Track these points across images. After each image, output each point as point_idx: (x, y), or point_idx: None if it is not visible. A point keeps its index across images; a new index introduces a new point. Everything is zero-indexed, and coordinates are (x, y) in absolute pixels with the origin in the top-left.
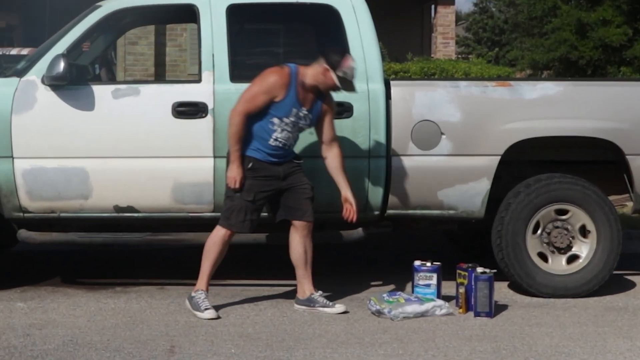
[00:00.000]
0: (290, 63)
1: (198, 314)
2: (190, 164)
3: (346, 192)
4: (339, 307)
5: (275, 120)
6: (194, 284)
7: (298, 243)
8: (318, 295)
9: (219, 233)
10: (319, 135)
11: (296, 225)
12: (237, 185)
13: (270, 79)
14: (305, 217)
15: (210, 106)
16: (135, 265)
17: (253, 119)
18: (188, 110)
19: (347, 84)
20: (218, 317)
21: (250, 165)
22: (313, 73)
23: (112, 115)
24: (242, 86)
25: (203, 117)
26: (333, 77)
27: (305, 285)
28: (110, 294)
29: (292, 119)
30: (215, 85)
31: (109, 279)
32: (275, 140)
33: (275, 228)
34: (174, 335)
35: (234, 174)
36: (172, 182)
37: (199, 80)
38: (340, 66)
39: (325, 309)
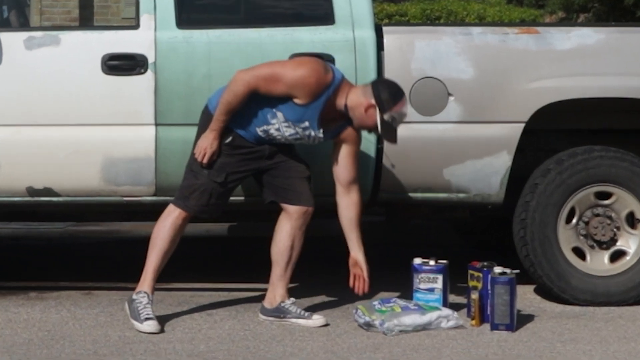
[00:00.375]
0: (336, 69)
1: (136, 324)
2: (125, 133)
3: (357, 253)
4: (317, 318)
5: (280, 116)
6: (132, 288)
7: (286, 234)
8: (290, 303)
9: (172, 214)
10: (334, 166)
11: (289, 211)
12: (206, 160)
13: (305, 77)
14: (301, 201)
15: (150, 59)
16: (54, 265)
17: (257, 96)
18: (122, 64)
19: (390, 133)
20: (161, 331)
21: (229, 139)
22: (355, 101)
23: (24, 71)
24: (193, 33)
25: (142, 73)
26: (377, 118)
27: (277, 290)
28: (23, 302)
29: (297, 130)
30: (157, 33)
31: (20, 281)
32: (265, 132)
33: (244, 216)
34: (104, 355)
35: (206, 144)
36: (101, 157)
37: (136, 26)
38: (391, 109)
39: (300, 321)
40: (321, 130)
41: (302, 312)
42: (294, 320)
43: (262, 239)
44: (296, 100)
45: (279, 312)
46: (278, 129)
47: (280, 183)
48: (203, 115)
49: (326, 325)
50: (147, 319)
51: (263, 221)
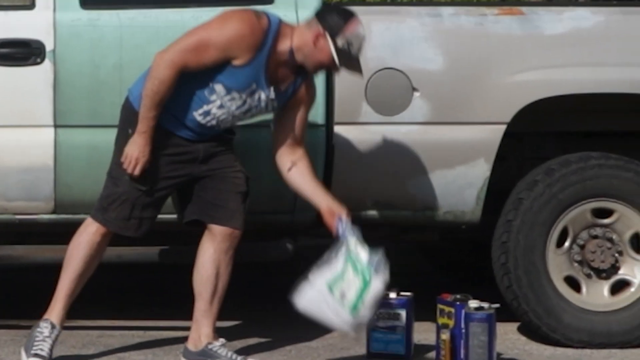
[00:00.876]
0: (271, 13)
1: (22, 356)
2: (17, 137)
3: (328, 201)
4: None
5: (220, 88)
6: (25, 327)
7: (210, 259)
8: (219, 345)
9: (88, 229)
10: (280, 132)
11: (214, 231)
12: (137, 172)
13: (237, 30)
14: (231, 221)
15: (49, 46)
16: None
17: (186, 75)
18: (14, 52)
19: (351, 63)
20: None
21: (157, 138)
22: (300, 39)
23: None
24: (100, 15)
25: (38, 63)
26: (330, 47)
27: (203, 329)
28: None
29: (245, 98)
30: (56, 14)
31: None
32: (206, 115)
33: (172, 238)
34: None
35: (136, 152)
36: None
37: (30, 6)
38: (343, 32)
39: None
40: (272, 90)
41: (234, 355)
42: None
43: (186, 266)
44: (235, 62)
45: (205, 356)
46: (221, 106)
47: (210, 197)
48: (124, 111)
49: None
50: (35, 355)
51: (190, 244)
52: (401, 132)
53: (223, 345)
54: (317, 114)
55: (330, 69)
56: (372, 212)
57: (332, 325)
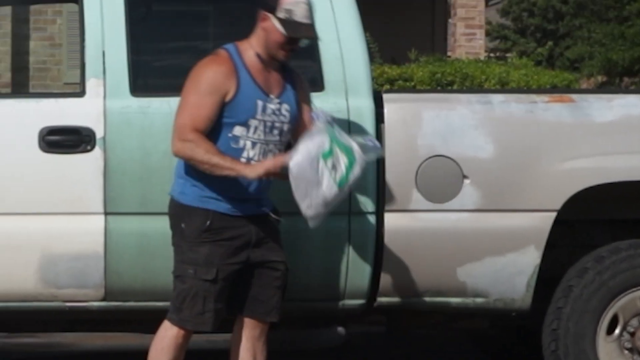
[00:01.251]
0: (224, 45)
1: None
2: (68, 224)
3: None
4: None
5: (238, 130)
6: None
7: (245, 348)
8: None
9: (168, 333)
10: (297, 127)
11: (248, 326)
12: (277, 164)
13: (208, 73)
14: (269, 315)
15: (99, 134)
16: None
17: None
18: (65, 140)
19: (298, 28)
20: None
21: (208, 223)
22: (256, 37)
23: None
24: (150, 102)
25: (88, 150)
26: (275, 25)
27: None
28: None
29: (263, 118)
30: (107, 101)
31: None
32: (249, 162)
33: None
34: None
35: (261, 169)
36: (39, 253)
37: (81, 93)
38: (280, 3)
39: None
40: (274, 97)
41: None
42: None
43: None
44: (229, 96)
45: None
46: (253, 143)
47: (253, 292)
48: (171, 211)
49: None
50: None
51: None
52: (451, 220)
53: None
54: (367, 201)
55: (291, 46)
56: (422, 300)
57: (314, 196)
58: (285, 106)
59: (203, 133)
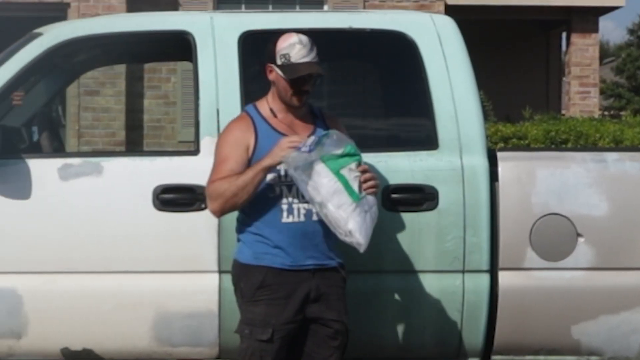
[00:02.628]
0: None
1: None
2: (182, 282)
3: None
4: None
5: (270, 177)
6: None
7: None
8: None
9: None
10: None
11: None
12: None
13: (227, 131)
14: None
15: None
16: None
17: (246, 206)
18: (179, 198)
19: (297, 69)
20: None
21: (262, 280)
22: (271, 91)
23: (59, 206)
24: None
25: (202, 208)
26: (279, 72)
27: None
28: None
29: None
30: None
31: None
32: (290, 210)
33: None
34: None
35: (280, 149)
36: (153, 311)
37: (195, 152)
38: (275, 52)
39: None
40: (302, 141)
41: None
42: None
43: None
44: (252, 146)
45: None
46: (289, 187)
47: (310, 348)
48: (233, 270)
49: None
50: None
51: None
52: (565, 278)
53: None
54: (481, 260)
55: (301, 89)
56: (538, 357)
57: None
58: (311, 139)
59: (229, 174)
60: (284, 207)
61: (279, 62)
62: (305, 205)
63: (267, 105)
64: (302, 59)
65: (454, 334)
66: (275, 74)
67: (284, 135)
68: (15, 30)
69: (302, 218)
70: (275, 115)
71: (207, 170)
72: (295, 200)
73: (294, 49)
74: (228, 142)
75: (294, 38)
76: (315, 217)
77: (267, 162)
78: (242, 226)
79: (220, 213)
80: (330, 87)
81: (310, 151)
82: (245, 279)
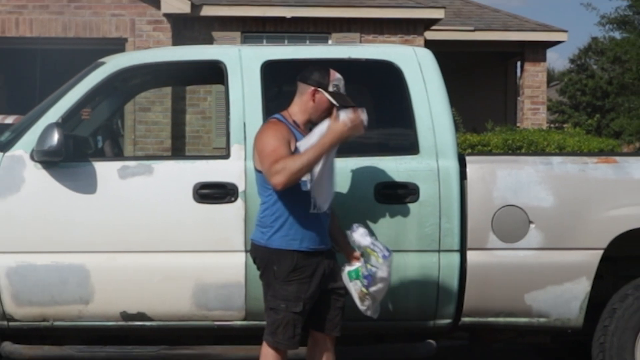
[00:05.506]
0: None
1: None
2: (216, 260)
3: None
4: None
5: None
6: None
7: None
8: None
9: (268, 352)
10: None
11: (318, 338)
12: (361, 119)
13: (276, 129)
14: (334, 331)
15: (241, 188)
16: None
17: (277, 193)
18: (213, 193)
19: (344, 99)
20: None
21: (295, 263)
22: (300, 106)
23: (118, 199)
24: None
25: (232, 201)
26: (325, 96)
27: None
28: None
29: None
30: (247, 162)
31: None
32: (314, 204)
33: None
34: None
35: (343, 127)
36: (193, 282)
37: (226, 156)
38: (329, 80)
39: None
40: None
41: None
42: None
43: None
44: (293, 143)
45: None
46: (320, 173)
47: (323, 311)
48: (259, 256)
49: None
50: None
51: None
52: (520, 256)
53: None
54: (453, 242)
55: (329, 112)
56: (497, 320)
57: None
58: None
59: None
60: (311, 200)
61: (330, 89)
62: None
63: (290, 118)
64: (345, 91)
65: (432, 300)
66: (321, 96)
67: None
68: (84, 60)
69: (325, 199)
70: (298, 127)
71: (236, 170)
72: (321, 175)
73: (341, 83)
74: (277, 137)
75: (339, 75)
76: (328, 211)
77: (329, 139)
78: (271, 215)
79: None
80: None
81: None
82: (278, 263)
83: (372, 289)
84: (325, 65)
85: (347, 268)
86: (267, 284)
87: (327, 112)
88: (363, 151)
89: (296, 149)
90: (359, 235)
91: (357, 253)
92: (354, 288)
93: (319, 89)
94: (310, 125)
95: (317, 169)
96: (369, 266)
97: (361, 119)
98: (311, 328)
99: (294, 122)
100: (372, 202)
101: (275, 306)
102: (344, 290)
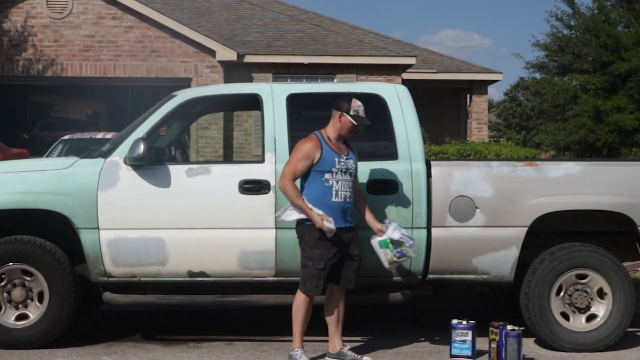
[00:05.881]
0: (314, 132)
1: None
2: (254, 234)
3: (376, 223)
4: (366, 358)
5: (327, 175)
6: (260, 340)
7: (334, 305)
8: (347, 349)
9: (300, 297)
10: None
11: (335, 289)
12: (330, 223)
13: (305, 146)
14: (349, 284)
15: (272, 184)
16: (206, 323)
17: (310, 187)
18: (253, 187)
19: (362, 119)
20: None
21: (319, 235)
22: (332, 126)
23: (186, 191)
24: None
25: (266, 193)
26: (348, 118)
27: (336, 341)
28: (185, 349)
29: (339, 166)
30: (277, 165)
31: (183, 335)
32: (337, 194)
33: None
34: None
35: (318, 219)
36: (238, 250)
37: (262, 161)
38: (350, 106)
39: None
40: (343, 156)
41: (356, 355)
42: None
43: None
44: (316, 160)
45: (339, 356)
46: (337, 181)
47: (342, 271)
48: (299, 227)
49: None
50: None
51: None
52: (469, 232)
53: (349, 349)
54: (422, 221)
55: (354, 130)
56: (453, 276)
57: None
58: (350, 160)
59: (296, 179)
60: (333, 192)
61: (352, 113)
62: (345, 192)
63: (326, 134)
64: (364, 114)
65: (407, 263)
66: (345, 118)
67: (336, 152)
68: (161, 93)
69: (342, 199)
70: (330, 141)
71: (269, 171)
72: (340, 188)
73: (361, 108)
74: (303, 152)
75: (359, 102)
76: (348, 200)
77: (313, 217)
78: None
79: (280, 188)
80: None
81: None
82: (309, 234)
83: (402, 259)
84: (348, 96)
85: (377, 238)
86: (302, 248)
87: (352, 129)
88: (362, 158)
89: (319, 159)
90: (392, 230)
91: (381, 226)
92: (384, 253)
93: (343, 114)
94: (341, 139)
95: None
96: (400, 248)
97: (329, 228)
98: (331, 282)
99: (327, 137)
100: (366, 194)
101: (305, 264)
102: (358, 256)
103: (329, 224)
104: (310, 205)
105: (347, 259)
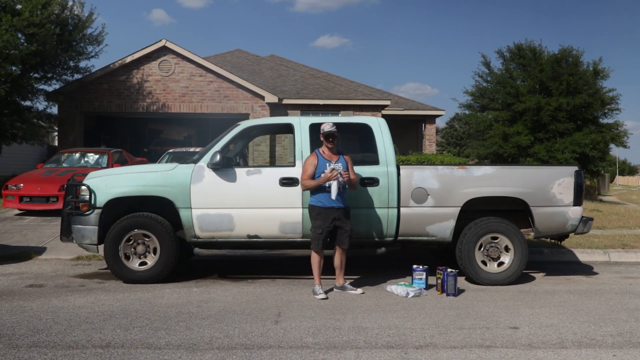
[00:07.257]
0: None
1: (316, 296)
2: (289, 211)
3: None
4: (359, 290)
5: (327, 183)
6: (294, 279)
7: (338, 257)
8: (347, 284)
9: (312, 252)
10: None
11: (337, 248)
12: (336, 173)
13: (308, 159)
14: (343, 245)
15: (299, 180)
16: (259, 267)
17: (313, 191)
18: (287, 182)
19: (327, 131)
20: (326, 298)
21: (318, 212)
22: (323, 145)
23: (246, 184)
24: None
25: (295, 186)
26: (322, 135)
27: (340, 279)
28: (245, 284)
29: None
30: (298, 168)
31: (244, 274)
32: (329, 186)
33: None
34: (280, 306)
35: (326, 176)
36: (279, 221)
37: (293, 165)
38: (321, 129)
39: (352, 291)
40: (333, 162)
41: (353, 287)
42: (349, 291)
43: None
44: (316, 165)
45: (342, 288)
46: (330, 187)
47: (338, 236)
48: (309, 207)
49: (363, 293)
50: (320, 293)
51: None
52: (424, 210)
53: (349, 284)
54: (394, 202)
55: (331, 139)
56: (414, 238)
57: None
58: (338, 164)
59: (309, 178)
60: (327, 185)
61: (322, 132)
62: (339, 192)
63: (321, 150)
64: (330, 129)
65: (385, 229)
66: (322, 136)
67: (327, 161)
68: (229, 123)
69: (335, 196)
70: (324, 153)
71: (298, 172)
72: (334, 190)
73: (327, 126)
74: (309, 163)
75: (326, 124)
76: (342, 192)
77: (326, 177)
78: (311, 196)
79: (304, 189)
80: (343, 143)
81: None
82: (312, 211)
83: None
84: (335, 125)
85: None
86: (311, 220)
87: (328, 140)
88: (356, 164)
89: (316, 167)
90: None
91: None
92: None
93: (321, 134)
94: (333, 150)
95: (334, 184)
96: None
97: (335, 169)
98: (335, 244)
99: (322, 151)
100: (359, 187)
101: (312, 230)
102: (349, 227)
103: (330, 172)
104: (320, 179)
105: (340, 228)
